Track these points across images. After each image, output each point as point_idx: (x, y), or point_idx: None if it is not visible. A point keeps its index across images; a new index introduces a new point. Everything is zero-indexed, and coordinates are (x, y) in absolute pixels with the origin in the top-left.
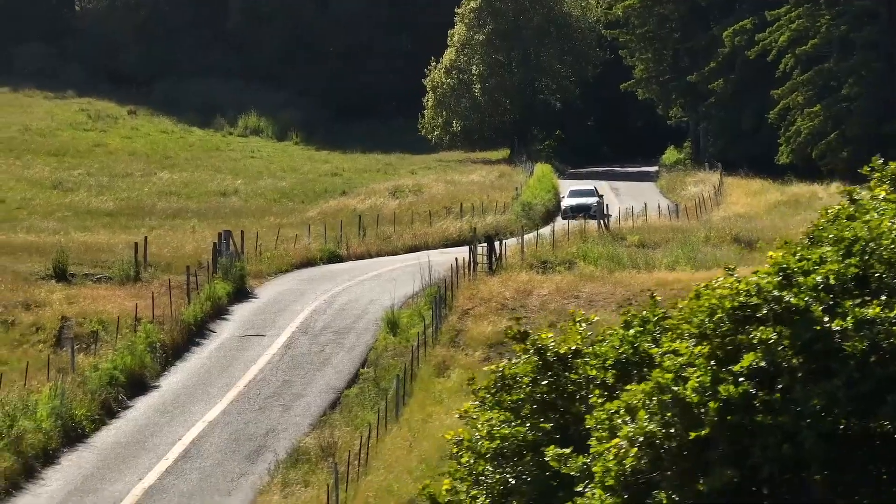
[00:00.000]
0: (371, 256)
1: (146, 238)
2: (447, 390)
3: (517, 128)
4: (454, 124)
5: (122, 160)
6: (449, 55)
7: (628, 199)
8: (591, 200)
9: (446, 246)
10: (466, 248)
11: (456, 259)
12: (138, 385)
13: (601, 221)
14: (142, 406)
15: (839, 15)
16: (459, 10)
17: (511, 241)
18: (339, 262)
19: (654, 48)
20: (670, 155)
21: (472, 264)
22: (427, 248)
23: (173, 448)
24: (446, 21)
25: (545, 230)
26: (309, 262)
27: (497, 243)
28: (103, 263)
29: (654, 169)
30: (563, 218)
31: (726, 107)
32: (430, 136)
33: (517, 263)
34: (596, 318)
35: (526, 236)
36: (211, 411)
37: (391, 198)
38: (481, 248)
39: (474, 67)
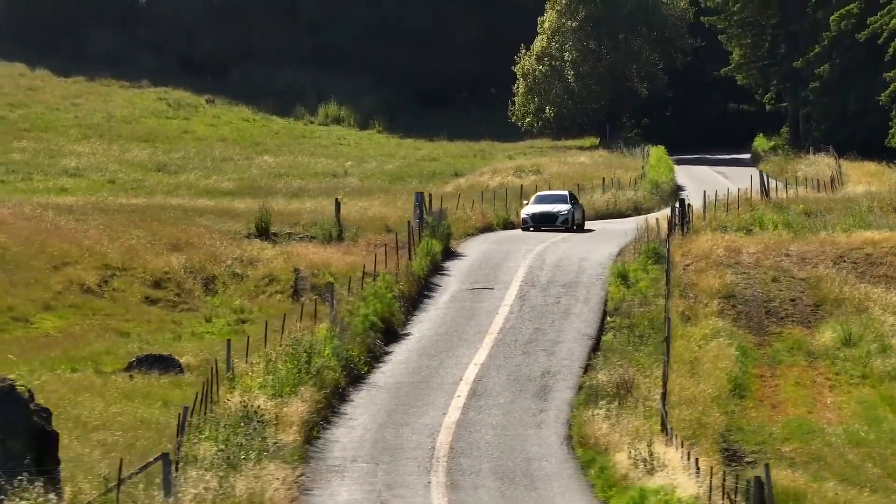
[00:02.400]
0: None
1: (337, 200)
2: (703, 336)
3: (607, 115)
4: (547, 111)
5: (214, 146)
6: (540, 42)
7: (739, 181)
8: (560, 208)
9: (599, 217)
10: (629, 218)
11: (655, 220)
12: (390, 332)
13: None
14: (402, 350)
15: None
16: None
17: (664, 212)
18: (512, 228)
19: (754, 33)
20: (761, 142)
21: (681, 224)
22: (587, 218)
23: (459, 387)
24: (524, 7)
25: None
26: (488, 228)
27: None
28: (297, 224)
29: (746, 156)
30: (523, 228)
31: (831, 91)
32: (520, 123)
33: (701, 227)
34: None
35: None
36: (477, 355)
37: (515, 176)
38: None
39: (567, 54)
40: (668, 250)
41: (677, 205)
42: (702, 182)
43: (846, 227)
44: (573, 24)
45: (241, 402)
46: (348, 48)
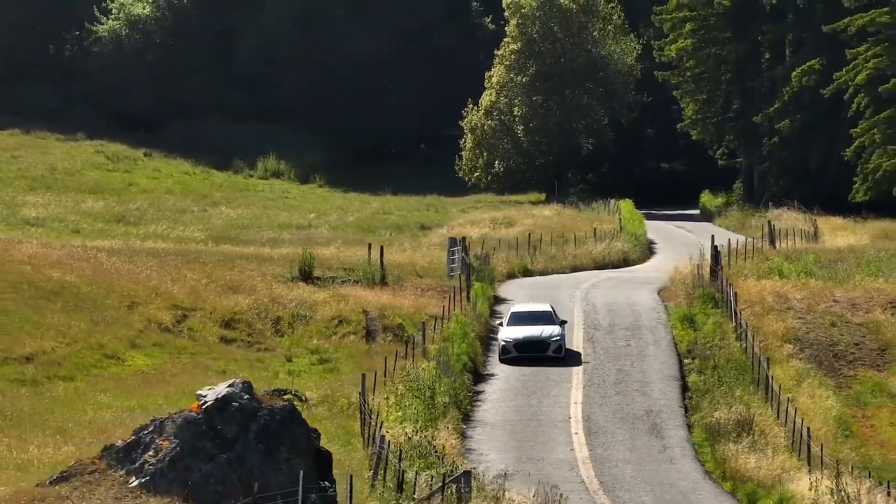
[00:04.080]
0: (552, 273)
1: (382, 247)
2: (790, 377)
3: (555, 170)
4: (496, 165)
5: (162, 197)
6: (489, 96)
7: (703, 236)
8: (550, 332)
9: (598, 267)
10: (627, 268)
11: (698, 266)
12: (475, 372)
13: None
14: (494, 390)
15: None
16: (499, 52)
17: (654, 262)
18: (530, 276)
19: (709, 89)
20: (709, 198)
21: (715, 271)
22: (584, 268)
23: (571, 424)
24: (469, 63)
25: (660, 258)
26: (511, 275)
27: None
28: (340, 269)
29: (694, 212)
30: (503, 359)
31: (791, 146)
32: (468, 178)
33: (730, 274)
34: None
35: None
36: (572, 394)
37: (491, 228)
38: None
39: (516, 109)
40: (735, 295)
41: (710, 251)
42: (669, 236)
43: (866, 274)
44: (522, 80)
45: (404, 433)
46: (285, 104)
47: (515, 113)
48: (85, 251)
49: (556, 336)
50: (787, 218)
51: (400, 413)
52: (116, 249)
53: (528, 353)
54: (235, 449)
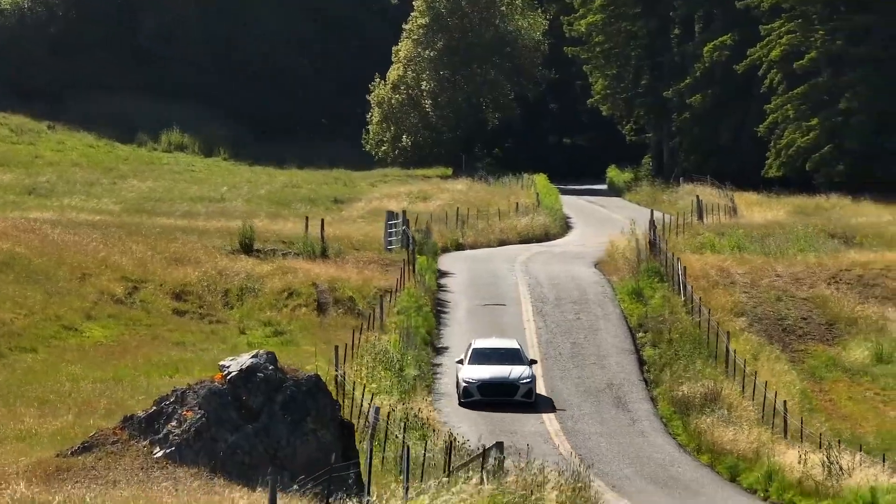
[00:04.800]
0: (482, 247)
1: (322, 220)
2: (748, 351)
3: (462, 144)
4: (404, 139)
5: (69, 170)
6: (396, 70)
7: (624, 213)
8: (519, 372)
9: (523, 241)
10: (550, 242)
11: (637, 239)
12: (428, 343)
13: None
14: (452, 364)
15: (834, 31)
16: (407, 27)
17: (572, 237)
18: (461, 249)
19: (619, 64)
20: (616, 173)
21: (653, 245)
22: (510, 242)
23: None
24: (372, 38)
25: (578, 232)
26: (444, 249)
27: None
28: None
29: (602, 187)
30: (463, 402)
31: (703, 121)
32: (375, 152)
33: (666, 249)
34: None
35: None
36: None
37: (409, 202)
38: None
39: (424, 83)
40: (684, 269)
41: (648, 225)
42: (582, 211)
43: (798, 250)
44: (430, 54)
45: (388, 406)
46: (188, 78)
47: (423, 87)
48: (29, 223)
49: (525, 378)
50: (701, 193)
51: (374, 385)
52: (56, 221)
53: (493, 397)
54: (261, 420)
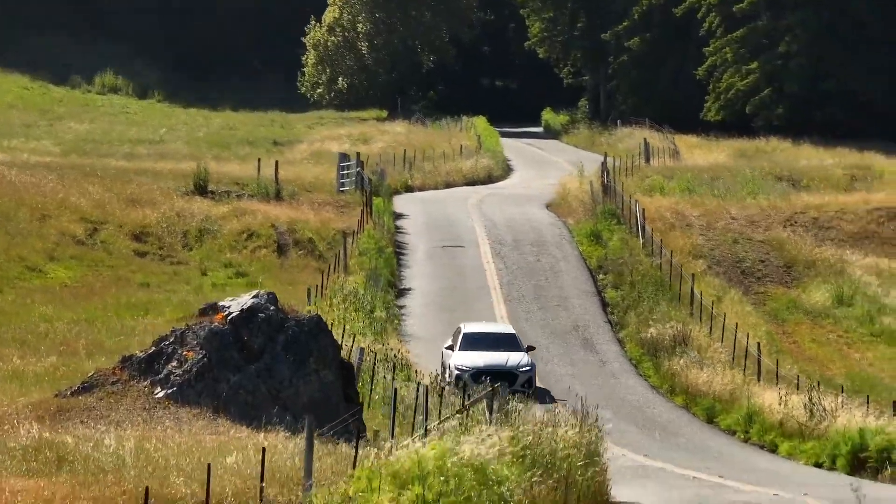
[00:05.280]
0: (430, 189)
1: (276, 162)
2: (710, 294)
3: (396, 87)
4: (340, 82)
5: (6, 112)
6: (332, 13)
7: (563, 155)
8: (517, 360)
9: (468, 183)
10: (496, 184)
11: (591, 182)
12: (392, 285)
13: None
14: (416, 305)
15: None
16: None
17: (514, 179)
18: (411, 192)
19: (556, 7)
20: (552, 116)
21: (605, 187)
22: (456, 184)
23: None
24: None
25: (520, 174)
26: (395, 192)
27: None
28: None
29: (538, 129)
30: (456, 386)
31: (640, 65)
32: (310, 94)
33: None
34: None
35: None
36: (496, 309)
37: (351, 144)
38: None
39: (360, 26)
40: (643, 211)
41: (602, 168)
42: (522, 154)
43: (747, 193)
44: None
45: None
46: (121, 20)
47: (359, 30)
48: None
49: (524, 366)
50: (640, 136)
51: (348, 327)
52: (10, 163)
53: (488, 378)
54: (263, 360)
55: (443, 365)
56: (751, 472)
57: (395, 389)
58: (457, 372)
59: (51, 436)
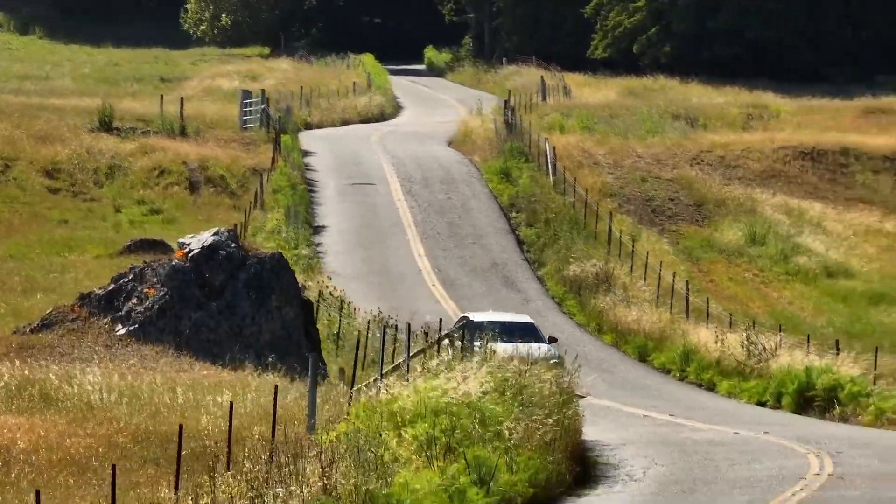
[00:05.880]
0: (328, 126)
1: (182, 99)
2: (625, 232)
3: (280, 24)
4: (223, 18)
5: None
6: None
7: (450, 93)
8: (542, 351)
9: (363, 121)
10: (391, 121)
11: (496, 120)
12: (307, 223)
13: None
14: (332, 242)
15: None
16: None
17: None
18: (310, 128)
19: None
20: (434, 54)
21: (509, 125)
22: (352, 121)
23: (424, 276)
24: None
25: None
26: (295, 129)
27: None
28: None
29: (420, 67)
30: None
31: (525, 2)
32: (193, 31)
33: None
34: None
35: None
36: (413, 247)
37: (240, 81)
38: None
39: None
40: (554, 150)
41: (505, 106)
42: (409, 91)
43: (646, 131)
44: None
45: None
46: None
47: None
48: None
49: (553, 358)
50: (528, 74)
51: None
52: None
53: None
54: (225, 297)
55: None
56: (698, 410)
57: (366, 329)
58: None
59: (31, 374)
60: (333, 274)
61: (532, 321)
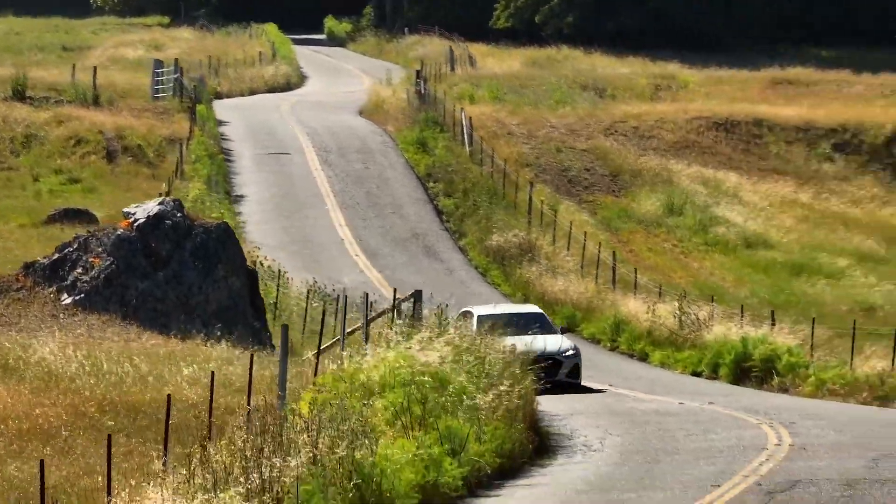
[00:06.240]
0: (237, 96)
1: (95, 68)
2: (543, 201)
3: None
4: None
5: None
6: None
7: (353, 63)
8: (556, 344)
9: (270, 90)
10: (295, 91)
11: (408, 90)
12: (226, 192)
13: None
14: (252, 211)
15: None
16: None
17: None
18: (220, 98)
19: None
20: (335, 24)
21: (420, 94)
22: (259, 91)
23: (347, 247)
24: None
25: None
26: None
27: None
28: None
29: (321, 36)
30: None
31: None
32: (93, 0)
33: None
34: None
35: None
36: (333, 216)
37: (145, 50)
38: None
39: None
40: (470, 120)
41: (416, 76)
42: (312, 61)
43: (556, 101)
44: None
45: None
46: None
47: None
48: None
49: (567, 350)
50: (431, 44)
51: None
52: None
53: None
54: (171, 267)
55: None
56: (634, 380)
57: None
58: None
59: None
60: (258, 244)
61: (541, 311)
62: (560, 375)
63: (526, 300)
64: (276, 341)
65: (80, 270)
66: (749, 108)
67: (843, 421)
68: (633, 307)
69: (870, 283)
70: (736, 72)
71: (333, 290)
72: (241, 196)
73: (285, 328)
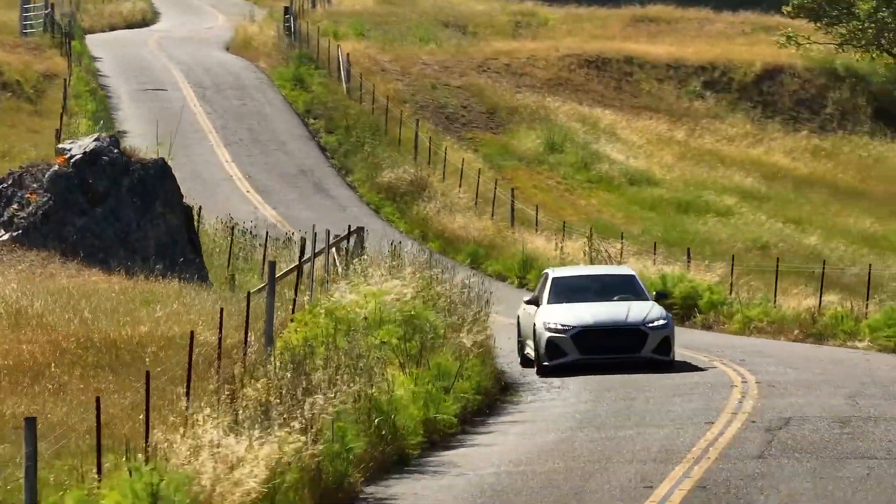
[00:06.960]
0: (100, 31)
1: None
2: (425, 138)
3: None
4: None
5: None
6: None
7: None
8: (642, 312)
9: (129, 26)
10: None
11: (278, 26)
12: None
13: None
14: (136, 146)
15: None
16: None
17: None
18: (85, 34)
19: None
20: None
21: (290, 32)
22: (119, 27)
23: (237, 182)
24: None
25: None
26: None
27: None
28: None
29: None
30: (547, 367)
31: None
32: None
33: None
34: None
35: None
36: (218, 153)
37: None
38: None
39: None
40: (348, 56)
41: (284, 13)
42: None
43: (418, 38)
44: None
45: None
46: None
47: None
48: None
49: (656, 320)
50: None
51: None
52: None
53: (602, 355)
54: (108, 203)
55: (520, 329)
56: None
57: (224, 235)
58: (548, 335)
59: None
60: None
61: (632, 272)
62: (644, 351)
63: (424, 237)
64: (213, 278)
65: (16, 206)
66: (619, 45)
67: (790, 358)
68: (540, 244)
69: (759, 221)
70: (596, 9)
71: (252, 225)
72: (125, 132)
73: (272, 265)
